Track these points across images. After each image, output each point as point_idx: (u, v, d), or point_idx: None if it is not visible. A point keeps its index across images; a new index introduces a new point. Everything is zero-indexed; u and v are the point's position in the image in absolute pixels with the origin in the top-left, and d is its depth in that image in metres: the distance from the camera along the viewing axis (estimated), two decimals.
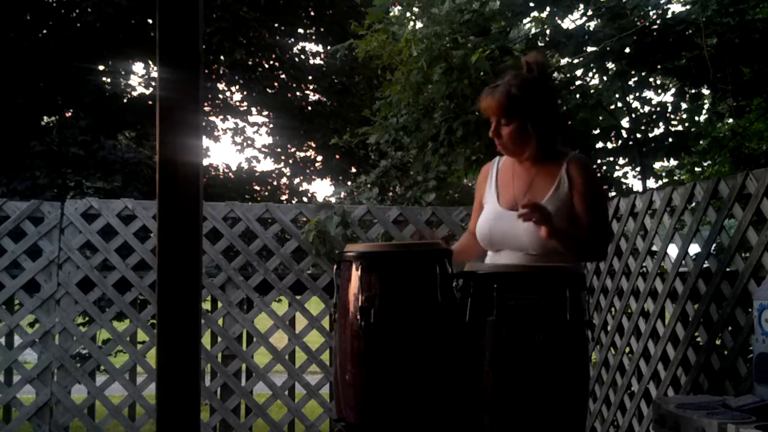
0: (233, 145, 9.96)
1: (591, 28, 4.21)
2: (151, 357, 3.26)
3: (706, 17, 3.70)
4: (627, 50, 4.00)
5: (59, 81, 7.20)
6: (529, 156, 2.22)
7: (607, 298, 3.28)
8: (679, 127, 4.41)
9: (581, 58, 4.09)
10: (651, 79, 4.48)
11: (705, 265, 2.59)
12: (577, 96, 4.13)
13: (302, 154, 10.12)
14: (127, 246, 3.73)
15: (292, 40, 9.30)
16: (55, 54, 7.09)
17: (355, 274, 1.94)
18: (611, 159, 4.35)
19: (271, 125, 9.87)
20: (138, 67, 8.61)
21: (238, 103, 9.69)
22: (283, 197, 9.17)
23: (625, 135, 4.32)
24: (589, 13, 4.22)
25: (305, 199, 9.14)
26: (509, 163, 2.30)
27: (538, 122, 2.18)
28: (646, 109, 4.46)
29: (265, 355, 3.79)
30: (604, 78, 4.30)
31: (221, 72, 8.79)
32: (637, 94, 4.46)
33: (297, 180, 9.95)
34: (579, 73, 4.51)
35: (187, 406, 1.25)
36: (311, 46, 9.63)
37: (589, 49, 4.05)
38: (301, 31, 9.28)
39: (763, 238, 2.27)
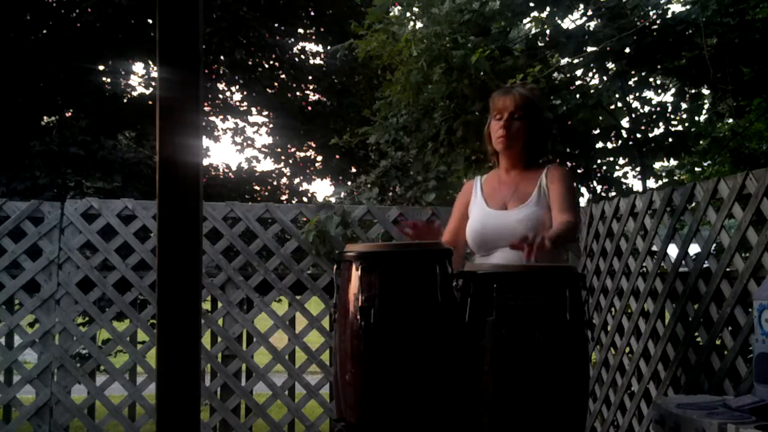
0: (233, 145, 9.97)
1: (591, 28, 4.21)
2: (151, 357, 3.27)
3: (706, 17, 3.70)
4: (627, 50, 3.99)
5: (59, 81, 7.19)
6: (516, 163, 2.47)
7: (607, 298, 3.28)
8: (679, 127, 4.40)
9: (581, 58, 4.09)
10: (651, 79, 4.47)
11: (705, 265, 2.59)
12: (577, 96, 4.13)
13: (302, 154, 10.12)
14: (127, 246, 3.73)
15: (292, 40, 9.30)
16: (55, 54, 7.08)
17: (355, 274, 1.94)
18: (611, 159, 4.34)
19: (271, 125, 9.87)
20: (138, 67, 8.62)
21: (238, 103, 9.69)
22: (283, 197, 9.16)
23: (625, 135, 4.31)
24: (589, 13, 4.22)
25: (305, 199, 9.13)
26: (493, 176, 2.55)
27: (539, 127, 2.49)
28: (646, 109, 4.45)
29: (265, 355, 3.79)
30: (604, 78, 4.29)
31: (221, 72, 8.79)
32: (637, 94, 4.45)
33: (297, 180, 9.95)
34: (579, 73, 4.51)
35: (187, 406, 1.25)
36: (311, 46, 9.64)
37: (589, 49, 4.04)
38: (301, 31, 9.28)
39: (763, 238, 2.27)
